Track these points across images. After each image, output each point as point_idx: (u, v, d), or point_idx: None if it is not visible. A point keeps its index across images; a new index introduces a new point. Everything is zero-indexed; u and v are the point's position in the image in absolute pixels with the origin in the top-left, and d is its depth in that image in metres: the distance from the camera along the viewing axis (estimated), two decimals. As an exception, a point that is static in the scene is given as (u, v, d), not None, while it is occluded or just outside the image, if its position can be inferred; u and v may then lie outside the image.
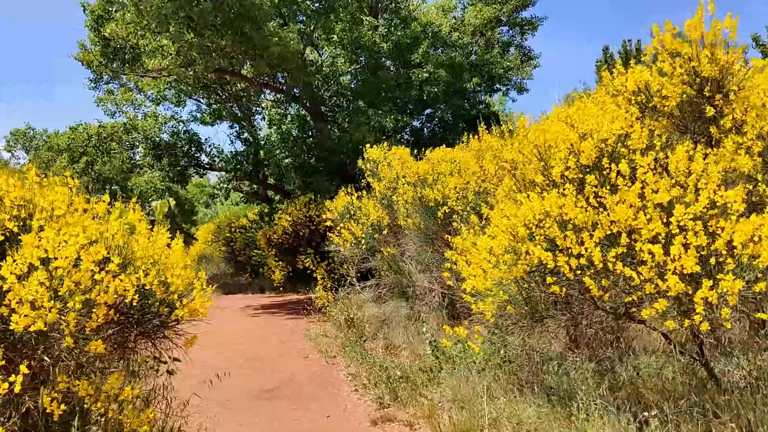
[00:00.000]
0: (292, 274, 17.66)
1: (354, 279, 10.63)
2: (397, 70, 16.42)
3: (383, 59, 16.66)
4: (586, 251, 3.99)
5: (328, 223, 10.64)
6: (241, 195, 22.36)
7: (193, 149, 18.34)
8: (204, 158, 18.62)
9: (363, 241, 9.77)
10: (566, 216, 4.22)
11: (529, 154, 4.80)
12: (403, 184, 9.61)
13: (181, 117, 19.40)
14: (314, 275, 16.91)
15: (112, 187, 29.18)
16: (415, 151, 10.56)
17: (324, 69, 16.94)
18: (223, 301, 15.86)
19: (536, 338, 5.81)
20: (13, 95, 66.04)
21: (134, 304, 2.94)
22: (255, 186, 20.51)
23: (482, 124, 8.06)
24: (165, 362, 3.70)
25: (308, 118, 18.65)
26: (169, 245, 3.55)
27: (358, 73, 17.06)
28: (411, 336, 8.29)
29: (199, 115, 19.91)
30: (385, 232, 9.73)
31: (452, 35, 18.18)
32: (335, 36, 16.67)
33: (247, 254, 20.78)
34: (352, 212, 10.26)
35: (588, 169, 4.55)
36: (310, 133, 18.81)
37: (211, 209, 33.79)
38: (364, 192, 10.57)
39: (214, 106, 19.38)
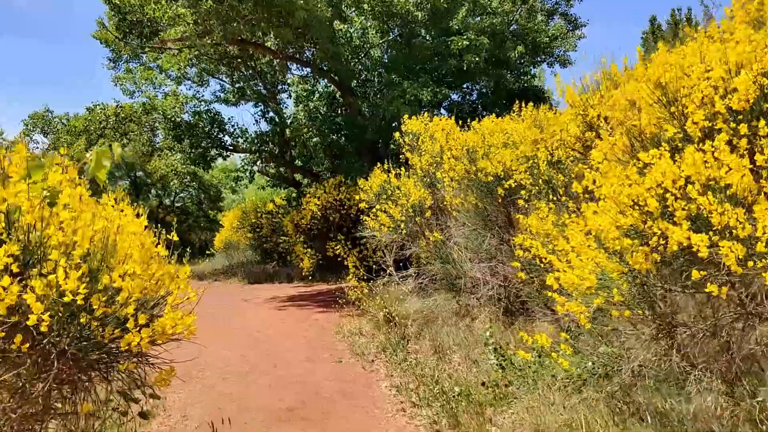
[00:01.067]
0: (322, 262, 16.50)
1: (392, 268, 9.38)
2: (433, 40, 14.98)
3: (418, 28, 15.25)
4: (764, 233, 2.64)
5: (362, 206, 9.35)
6: (268, 179, 21.28)
7: (216, 130, 17.22)
8: (227, 139, 17.50)
9: (402, 225, 8.49)
10: (721, 181, 2.87)
11: (648, 97, 3.44)
12: (449, 158, 8.30)
13: (203, 96, 18.31)
14: (345, 263, 15.72)
15: (137, 173, 28.32)
16: (460, 122, 9.22)
17: (354, 41, 15.63)
18: (248, 291, 14.77)
19: (639, 349, 4.47)
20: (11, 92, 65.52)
21: (42, 329, 1.70)
22: (282, 169, 19.37)
23: (558, 76, 6.65)
24: (137, 401, 2.49)
25: (337, 95, 17.37)
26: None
27: (391, 44, 15.71)
28: (463, 336, 7.01)
29: (222, 94, 18.78)
30: (428, 214, 8.42)
31: (492, 2, 16.68)
32: (365, 5, 15.31)
33: (273, 241, 19.68)
34: (389, 192, 8.96)
35: (741, 117, 3.18)
36: (339, 111, 17.55)
37: (239, 195, 32.83)
38: (403, 169, 9.26)
39: (237, 84, 18.16)
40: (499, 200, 6.20)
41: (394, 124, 15.08)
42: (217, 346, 8.04)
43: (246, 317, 10.41)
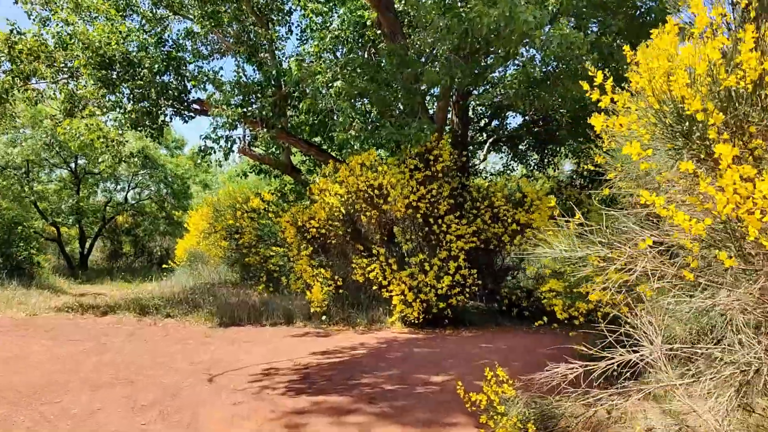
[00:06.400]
0: (342, 289, 10.06)
1: (661, 351, 2.99)
2: None
3: None
4: None
5: (600, 159, 2.44)
6: (252, 162, 14.60)
7: (172, 74, 10.72)
8: (191, 90, 10.96)
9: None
10: None
11: None
12: None
13: (156, 33, 11.71)
14: (384, 293, 9.34)
15: (78, 160, 21.47)
16: None
17: None
18: (218, 347, 8.22)
19: None
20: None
21: None
22: (275, 145, 12.65)
23: None
24: None
25: (368, 23, 10.99)
26: None
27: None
28: None
29: (186, 28, 12.13)
30: None
31: None
32: None
33: (261, 253, 13.17)
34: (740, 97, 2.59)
35: None
36: (373, 50, 11.19)
37: (212, 190, 26.14)
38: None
39: (210, 8, 11.49)
40: None
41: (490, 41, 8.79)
42: None
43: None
